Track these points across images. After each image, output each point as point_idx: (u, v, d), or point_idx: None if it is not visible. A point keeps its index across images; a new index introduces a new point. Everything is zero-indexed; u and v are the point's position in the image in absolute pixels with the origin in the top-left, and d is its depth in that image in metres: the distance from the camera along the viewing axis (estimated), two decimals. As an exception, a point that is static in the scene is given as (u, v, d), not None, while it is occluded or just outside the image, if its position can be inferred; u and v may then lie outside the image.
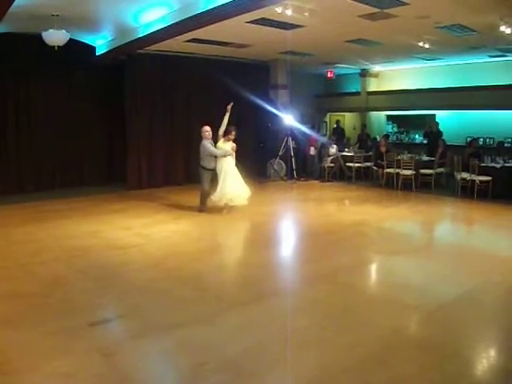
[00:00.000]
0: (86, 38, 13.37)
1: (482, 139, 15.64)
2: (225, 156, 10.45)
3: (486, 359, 4.55)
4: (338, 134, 18.32)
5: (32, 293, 5.96)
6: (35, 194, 13.15)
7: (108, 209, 11.35)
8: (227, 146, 10.53)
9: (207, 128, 10.74)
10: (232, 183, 10.38)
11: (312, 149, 17.09)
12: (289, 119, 16.19)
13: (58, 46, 10.85)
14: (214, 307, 5.57)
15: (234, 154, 10.62)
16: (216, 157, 10.50)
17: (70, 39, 11.03)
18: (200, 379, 4.05)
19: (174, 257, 7.62)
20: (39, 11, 10.04)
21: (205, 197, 10.72)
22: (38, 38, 10.73)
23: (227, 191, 10.35)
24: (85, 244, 8.24)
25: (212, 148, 10.51)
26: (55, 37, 10.63)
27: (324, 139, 17.11)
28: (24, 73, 13.40)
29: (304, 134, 17.05)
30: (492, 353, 4.69)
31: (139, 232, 9.16)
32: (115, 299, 5.97)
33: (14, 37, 12.21)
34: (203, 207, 10.75)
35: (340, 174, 16.31)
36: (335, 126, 19.84)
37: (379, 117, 19.76)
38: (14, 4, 7.91)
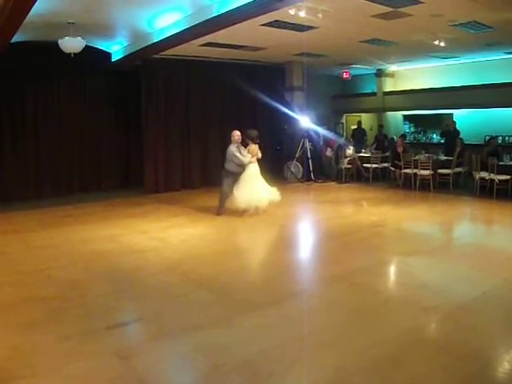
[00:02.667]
0: (102, 45, 13.48)
1: (500, 137, 15.44)
2: (250, 162, 10.55)
3: (506, 360, 4.49)
4: (360, 135, 18.23)
5: (50, 297, 6.01)
6: (53, 199, 13.31)
7: (125, 213, 11.43)
8: (254, 149, 10.67)
9: (237, 132, 10.83)
10: (253, 188, 10.44)
11: (329, 150, 17.06)
12: (305, 121, 16.18)
13: (74, 53, 10.95)
14: (232, 309, 5.57)
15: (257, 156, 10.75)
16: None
17: (86, 46, 11.14)
18: (217, 381, 4.07)
19: (192, 260, 7.64)
20: (55, 19, 10.14)
21: (224, 199, 10.72)
22: (54, 46, 10.84)
23: (248, 197, 10.38)
24: (102, 248, 8.31)
25: (237, 154, 10.55)
26: (71, 44, 10.73)
27: (341, 140, 17.05)
28: (41, 80, 13.58)
29: (320, 135, 17.04)
30: None
31: (156, 236, 9.20)
32: (133, 303, 6.01)
33: (30, 45, 12.34)
34: (221, 209, 10.77)
35: (357, 175, 16.27)
36: (356, 126, 19.61)
37: (396, 117, 19.61)
38: (30, 13, 7.98)
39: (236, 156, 10.51)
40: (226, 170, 10.75)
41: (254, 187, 10.48)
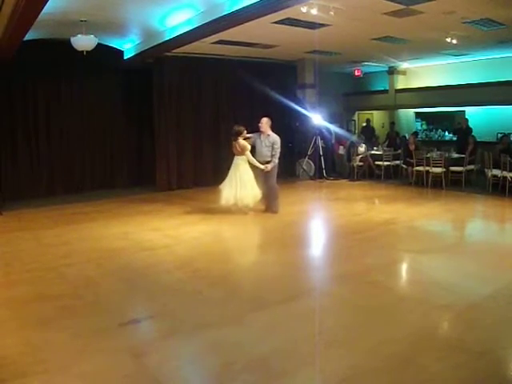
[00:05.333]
0: (114, 43, 13.54)
1: (513, 135, 15.38)
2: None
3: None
4: (369, 133, 18.18)
5: (62, 294, 6.04)
6: (65, 196, 13.42)
7: (137, 210, 11.46)
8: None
9: (263, 119, 10.70)
10: (228, 185, 10.35)
11: (341, 148, 17.04)
12: (317, 118, 16.15)
13: (87, 51, 10.99)
14: (243, 307, 5.58)
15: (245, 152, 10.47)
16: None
17: (98, 44, 11.20)
18: (228, 379, 4.07)
19: (203, 257, 7.65)
20: (67, 17, 10.21)
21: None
22: (66, 44, 10.89)
23: (230, 193, 10.29)
24: (114, 246, 8.35)
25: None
26: (84, 42, 10.79)
27: (353, 138, 17.00)
28: (54, 78, 13.63)
29: (332, 133, 17.02)
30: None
31: (168, 233, 9.23)
32: (145, 300, 6.02)
33: (43, 43, 12.38)
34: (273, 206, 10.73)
35: (369, 173, 16.23)
36: (365, 124, 19.56)
37: (408, 114, 19.56)
38: (43, 11, 8.02)
39: None
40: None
41: (238, 183, 10.27)
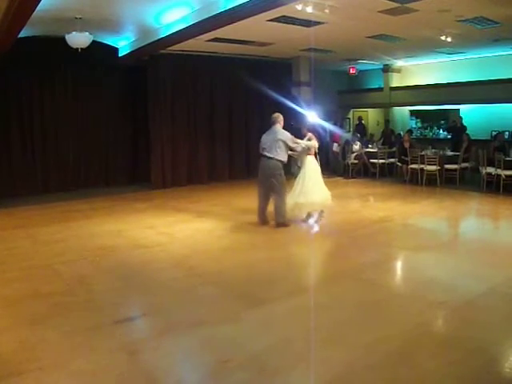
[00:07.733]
0: (109, 40, 13.50)
1: (507, 133, 15.40)
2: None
3: (512, 355, 4.50)
4: (360, 131, 18.19)
5: (57, 292, 6.03)
6: (60, 194, 13.39)
7: (132, 208, 11.46)
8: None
9: None
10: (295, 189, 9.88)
11: (335, 145, 17.02)
12: (312, 116, 16.13)
13: (82, 48, 10.97)
14: (238, 305, 5.58)
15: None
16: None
17: (93, 41, 11.18)
18: (223, 376, 4.07)
19: (198, 255, 7.65)
20: (62, 14, 10.17)
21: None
22: (61, 41, 10.85)
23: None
24: (109, 243, 8.34)
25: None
26: (78, 39, 10.76)
27: (348, 136, 16.99)
28: (48, 75, 13.63)
29: (327, 130, 17.01)
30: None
31: (163, 231, 9.23)
32: (139, 298, 6.02)
33: (38, 40, 12.35)
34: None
35: (364, 171, 16.24)
36: (357, 122, 19.61)
37: (403, 112, 19.58)
38: (38, 8, 7.99)
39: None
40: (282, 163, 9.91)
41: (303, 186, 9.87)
